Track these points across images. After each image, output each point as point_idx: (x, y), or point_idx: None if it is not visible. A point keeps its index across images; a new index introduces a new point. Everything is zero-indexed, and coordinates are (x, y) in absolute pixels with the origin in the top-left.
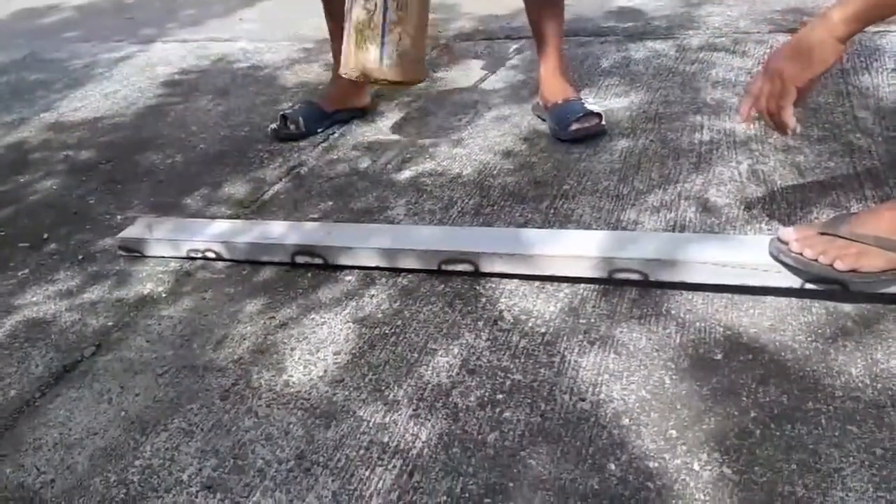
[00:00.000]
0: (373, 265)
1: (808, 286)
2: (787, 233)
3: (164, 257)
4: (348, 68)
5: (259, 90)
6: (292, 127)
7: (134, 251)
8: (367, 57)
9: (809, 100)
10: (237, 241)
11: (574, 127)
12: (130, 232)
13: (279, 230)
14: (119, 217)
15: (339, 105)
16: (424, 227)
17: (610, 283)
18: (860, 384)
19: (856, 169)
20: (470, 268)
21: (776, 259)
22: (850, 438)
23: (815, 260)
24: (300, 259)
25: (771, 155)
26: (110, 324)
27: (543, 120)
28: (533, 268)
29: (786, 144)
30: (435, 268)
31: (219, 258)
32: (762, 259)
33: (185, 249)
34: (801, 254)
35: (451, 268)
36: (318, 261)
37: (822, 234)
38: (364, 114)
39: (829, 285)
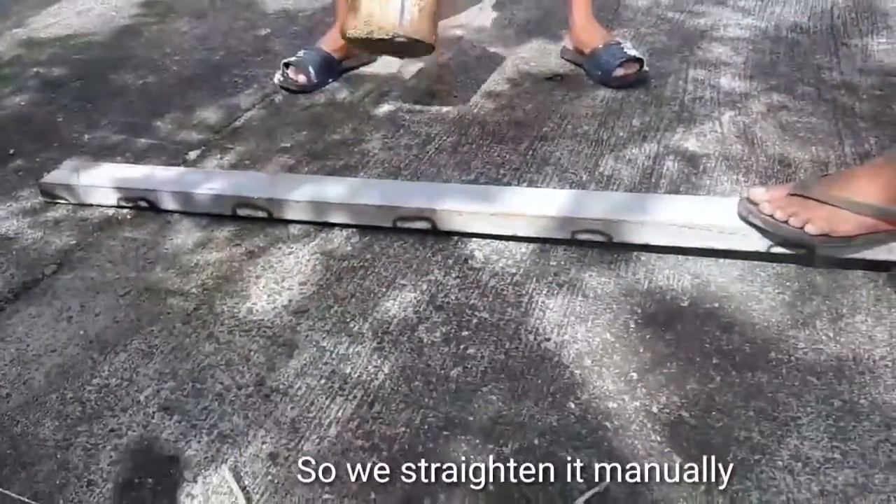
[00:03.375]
0: (321, 221)
1: (775, 250)
2: (758, 193)
3: (91, 205)
4: (355, 26)
5: (237, 14)
6: (301, 78)
7: (58, 197)
8: (385, 9)
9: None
10: (173, 191)
11: (619, 73)
12: (55, 176)
13: (220, 179)
14: (87, 136)
15: (348, 52)
16: (379, 181)
17: (573, 243)
18: (824, 337)
19: (838, 126)
20: (427, 225)
21: (745, 220)
22: (809, 389)
23: (786, 222)
24: (242, 212)
25: (754, 108)
26: (73, 242)
27: (577, 65)
28: (493, 227)
29: (770, 98)
30: (389, 225)
31: (152, 207)
32: (728, 221)
33: (114, 198)
34: (771, 215)
35: (406, 225)
36: (261, 214)
37: (793, 195)
38: (373, 62)
39: (796, 249)
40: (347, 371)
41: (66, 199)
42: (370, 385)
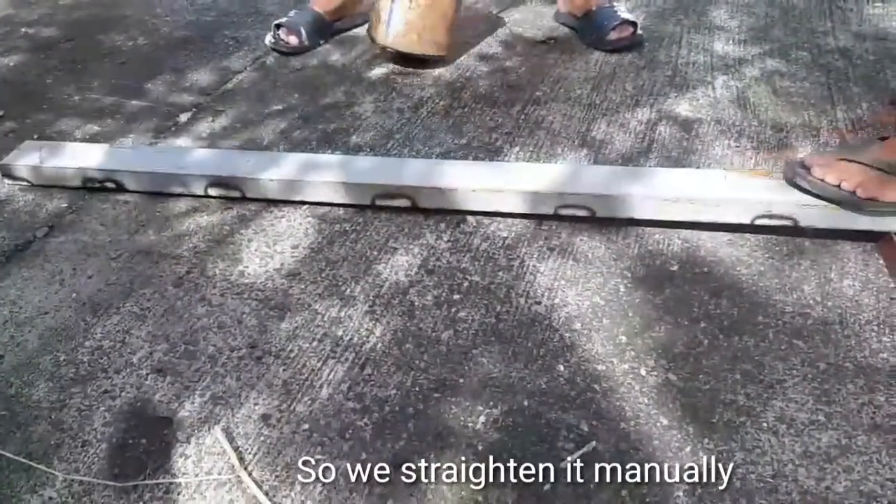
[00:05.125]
0: (298, 199)
1: (759, 222)
2: (810, 157)
3: (55, 187)
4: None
5: None
6: (293, 40)
7: (20, 179)
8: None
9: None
10: (142, 171)
11: (613, 36)
12: (16, 158)
13: (192, 157)
14: (77, 98)
15: (340, 13)
16: (358, 158)
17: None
18: (811, 301)
19: (830, 91)
20: (407, 203)
21: (792, 183)
22: (795, 352)
23: (838, 186)
24: (214, 192)
25: (747, 73)
26: (64, 205)
27: (571, 28)
28: (475, 203)
29: (763, 63)
30: (368, 203)
31: (120, 189)
32: (712, 194)
33: (80, 179)
34: (822, 179)
35: (386, 203)
36: (234, 194)
37: (842, 160)
38: (365, 23)
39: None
40: (339, 334)
41: (29, 182)
42: (362, 348)
